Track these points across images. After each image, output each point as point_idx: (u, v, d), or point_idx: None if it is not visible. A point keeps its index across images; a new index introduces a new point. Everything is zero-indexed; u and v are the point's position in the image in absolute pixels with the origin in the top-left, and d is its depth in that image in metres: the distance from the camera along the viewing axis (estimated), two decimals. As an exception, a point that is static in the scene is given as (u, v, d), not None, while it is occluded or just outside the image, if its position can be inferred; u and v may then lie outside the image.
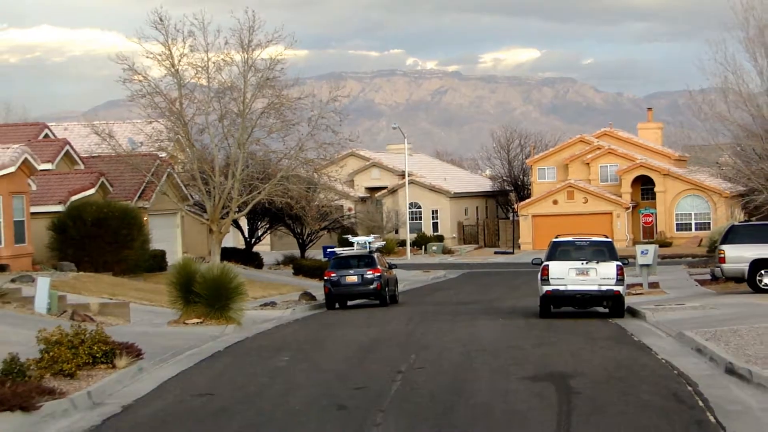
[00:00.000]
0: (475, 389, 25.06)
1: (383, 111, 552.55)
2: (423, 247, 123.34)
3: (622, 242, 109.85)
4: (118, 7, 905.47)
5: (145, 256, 67.46)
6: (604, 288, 44.47)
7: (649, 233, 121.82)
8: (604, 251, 45.55)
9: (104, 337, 29.09)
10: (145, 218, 69.98)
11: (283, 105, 72.08)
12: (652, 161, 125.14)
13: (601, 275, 44.50)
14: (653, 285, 58.79)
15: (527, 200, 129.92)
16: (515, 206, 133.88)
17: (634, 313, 44.80)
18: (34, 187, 64.19)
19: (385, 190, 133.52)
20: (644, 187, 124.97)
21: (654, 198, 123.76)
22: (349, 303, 56.88)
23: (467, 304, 55.61)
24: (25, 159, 61.95)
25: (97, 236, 63.64)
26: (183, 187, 77.54)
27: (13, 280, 51.71)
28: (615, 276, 44.49)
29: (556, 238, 47.80)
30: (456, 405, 23.03)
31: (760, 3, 68.49)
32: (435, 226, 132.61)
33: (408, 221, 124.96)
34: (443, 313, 49.52)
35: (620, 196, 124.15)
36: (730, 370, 26.47)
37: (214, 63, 71.35)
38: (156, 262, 68.48)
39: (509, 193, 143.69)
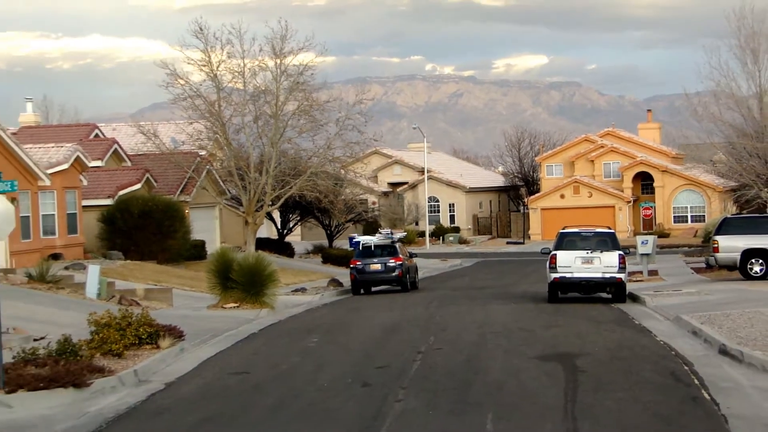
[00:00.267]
0: (489, 368, 25.03)
1: (404, 112, 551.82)
2: (441, 237, 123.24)
3: (624, 233, 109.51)
4: (162, 18, 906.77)
5: (187, 246, 67.55)
6: (607, 275, 44.41)
7: (648, 225, 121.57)
8: (607, 241, 45.48)
9: (149, 320, 29.13)
10: (186, 211, 70.06)
11: (312, 107, 72.11)
12: (651, 159, 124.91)
13: (605, 263, 44.44)
14: (652, 273, 58.68)
15: (536, 194, 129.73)
16: (525, 200, 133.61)
17: (634, 298, 44.72)
18: (85, 183, 64.34)
19: (406, 185, 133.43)
20: (644, 182, 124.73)
21: (653, 192, 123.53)
22: (373, 289, 56.86)
23: (482, 289, 55.54)
24: (77, 157, 62.13)
25: (142, 227, 63.78)
26: (221, 183, 77.63)
27: (66, 268, 51.82)
28: (617, 264, 44.42)
29: (563, 229, 47.74)
30: (472, 382, 23.00)
31: (751, 13, 68.49)
32: (452, 218, 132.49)
33: (427, 214, 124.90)
34: (460, 298, 49.47)
35: (622, 191, 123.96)
36: (723, 351, 26.41)
37: (249, 68, 71.38)
38: (196, 252, 68.56)
39: (520, 188, 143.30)
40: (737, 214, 69.96)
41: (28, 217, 56.82)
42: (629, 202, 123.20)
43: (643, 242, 60.71)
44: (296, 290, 55.47)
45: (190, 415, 20.29)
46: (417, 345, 29.55)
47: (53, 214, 59.89)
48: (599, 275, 44.48)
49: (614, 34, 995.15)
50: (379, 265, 56.04)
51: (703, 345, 28.46)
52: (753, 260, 50.44)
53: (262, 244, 79.17)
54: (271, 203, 73.15)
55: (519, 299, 46.99)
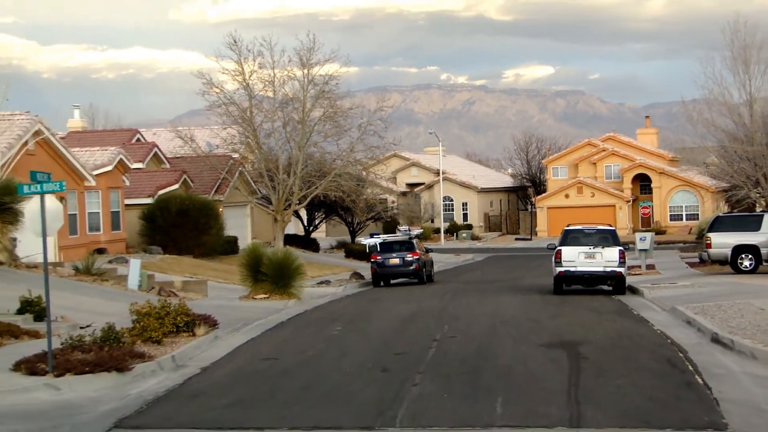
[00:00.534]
0: (499, 354, 25.04)
1: (421, 119, 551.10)
2: (455, 234, 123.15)
3: (624, 230, 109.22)
4: (199, 31, 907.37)
5: (221, 242, 67.66)
6: (608, 269, 44.44)
7: (646, 223, 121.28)
8: (608, 238, 45.48)
9: (186, 310, 29.19)
10: (220, 209, 70.17)
11: (336, 114, 72.21)
12: (649, 161, 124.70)
13: (606, 258, 44.44)
14: (650, 267, 58.59)
15: (543, 194, 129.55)
16: (533, 199, 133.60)
17: (633, 290, 44.68)
18: (127, 183, 64.53)
19: (422, 186, 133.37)
20: (642, 183, 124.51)
21: (651, 193, 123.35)
22: (392, 281, 56.85)
23: (492, 282, 55.52)
24: (120, 159, 62.32)
25: (180, 224, 63.91)
26: (252, 183, 77.74)
27: (110, 261, 51.98)
28: (618, 259, 44.42)
29: (568, 226, 47.82)
30: (482, 368, 23.00)
31: (744, 27, 68.38)
32: (465, 216, 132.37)
33: (442, 212, 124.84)
34: (472, 290, 49.46)
35: (622, 191, 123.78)
36: (716, 340, 26.39)
37: (279, 78, 71.47)
38: (229, 247, 68.65)
39: (528, 188, 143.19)
40: (729, 213, 69.75)
41: (75, 214, 56.98)
42: (629, 201, 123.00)
43: (641, 239, 60.71)
44: (321, 282, 55.51)
45: (223, 397, 20.33)
46: (432, 333, 29.57)
47: (98, 212, 60.05)
48: (601, 269, 44.52)
49: (616, 46, 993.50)
50: (398, 259, 56.08)
51: (696, 334, 28.43)
52: (743, 255, 50.57)
53: (290, 240, 79.22)
54: (298, 202, 73.22)
55: (527, 291, 46.97)
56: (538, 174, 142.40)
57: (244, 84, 70.78)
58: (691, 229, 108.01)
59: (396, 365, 23.52)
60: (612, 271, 44.48)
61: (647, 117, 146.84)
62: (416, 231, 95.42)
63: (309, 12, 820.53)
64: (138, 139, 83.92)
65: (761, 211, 58.76)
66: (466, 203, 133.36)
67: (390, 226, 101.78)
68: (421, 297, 45.29)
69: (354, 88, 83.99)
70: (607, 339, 27.70)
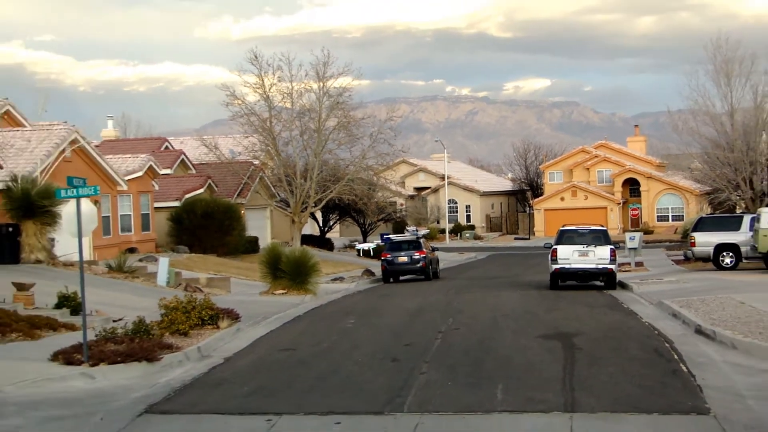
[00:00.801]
0: (500, 345, 25.01)
1: (428, 128, 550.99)
2: (458, 234, 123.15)
3: (615, 230, 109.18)
4: (222, 47, 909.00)
5: (242, 242, 67.74)
6: (600, 266, 44.40)
7: (635, 223, 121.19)
8: (600, 237, 45.44)
9: (210, 304, 29.22)
10: (242, 212, 70.26)
11: (350, 123, 72.39)
12: (638, 167, 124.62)
13: (598, 256, 44.41)
14: (639, 264, 58.57)
15: (540, 197, 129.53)
16: (531, 202, 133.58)
17: (623, 286, 44.62)
18: (156, 187, 64.61)
19: (429, 190, 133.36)
20: (632, 187, 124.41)
21: (639, 196, 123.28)
22: (401, 278, 56.82)
23: (493, 278, 55.48)
24: (150, 165, 62.42)
25: (205, 226, 64.01)
26: (271, 187, 77.80)
27: (140, 260, 52.05)
28: (609, 257, 44.41)
29: (563, 227, 47.80)
30: (484, 358, 22.99)
31: (725, 43, 68.57)
32: (468, 217, 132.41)
33: (447, 214, 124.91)
34: (474, 286, 49.42)
35: (613, 194, 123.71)
36: (699, 331, 26.35)
37: (296, 90, 71.69)
38: (251, 246, 68.72)
39: (526, 192, 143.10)
40: (711, 214, 69.82)
41: (109, 216, 57.07)
42: (619, 203, 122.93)
43: (631, 238, 60.76)
44: (335, 279, 55.53)
45: (245, 385, 20.33)
46: (438, 326, 29.54)
47: (129, 215, 60.17)
48: (593, 266, 44.50)
49: (608, 61, 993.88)
50: (406, 257, 56.06)
51: (681, 326, 28.38)
52: (724, 253, 50.65)
53: (306, 239, 79.29)
54: (314, 205, 73.36)
55: (525, 287, 46.93)
56: (535, 178, 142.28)
57: (265, 96, 70.98)
58: (676, 229, 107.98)
59: (404, 355, 23.52)
60: (604, 268, 44.45)
61: (636, 126, 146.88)
62: (423, 231, 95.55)
63: (324, 29, 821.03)
64: (166, 147, 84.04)
65: (741, 213, 58.76)
66: (469, 205, 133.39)
67: (399, 227, 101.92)
68: (427, 292, 45.27)
69: (366, 100, 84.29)
70: (600, 331, 27.66)
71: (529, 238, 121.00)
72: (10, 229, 44.04)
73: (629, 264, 57.31)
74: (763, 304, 30.10)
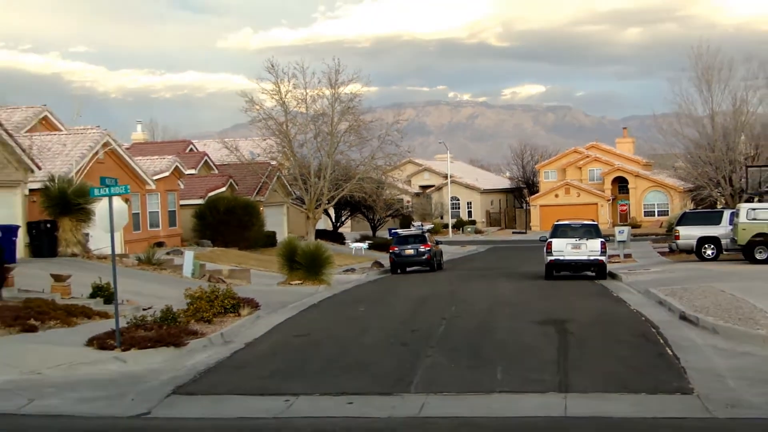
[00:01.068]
0: (498, 330, 25.03)
1: (432, 130, 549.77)
2: (461, 228, 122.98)
3: (605, 225, 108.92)
4: (242, 57, 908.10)
5: (261, 236, 67.77)
6: (592, 258, 44.42)
7: (624, 218, 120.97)
8: (591, 231, 45.43)
9: (232, 294, 29.26)
10: (261, 208, 70.29)
11: (360, 126, 72.44)
12: (626, 166, 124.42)
13: (590, 248, 44.42)
14: (627, 256, 58.51)
15: (536, 194, 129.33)
16: (527, 199, 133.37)
17: (613, 275, 44.61)
18: (182, 186, 64.69)
19: (433, 188, 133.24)
20: (621, 184, 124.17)
21: (628, 192, 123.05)
22: (408, 269, 56.79)
23: (492, 269, 55.47)
24: (176, 166, 62.50)
25: (227, 222, 64.04)
26: (288, 186, 77.88)
27: (168, 253, 52.11)
28: (600, 249, 44.42)
29: (557, 221, 47.83)
30: (484, 341, 23.01)
31: (706, 51, 68.61)
32: (469, 213, 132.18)
33: (450, 210, 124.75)
34: (476, 276, 49.43)
35: (603, 192, 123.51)
36: (683, 317, 26.36)
37: (310, 96, 71.75)
38: (269, 240, 68.77)
39: (523, 189, 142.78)
40: (694, 209, 69.74)
41: (138, 213, 57.17)
42: (609, 200, 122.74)
43: (620, 232, 60.71)
44: (347, 270, 55.51)
45: (264, 368, 20.37)
46: (442, 313, 29.55)
47: (157, 211, 60.23)
48: (585, 257, 44.51)
49: (598, 68, 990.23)
50: (412, 250, 56.04)
51: (667, 312, 28.38)
52: (706, 245, 50.77)
53: (320, 234, 79.32)
54: (327, 202, 73.39)
55: (522, 277, 46.93)
56: (531, 177, 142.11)
57: (281, 102, 71.08)
58: (662, 223, 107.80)
59: (411, 340, 23.54)
60: (595, 259, 44.48)
61: (624, 128, 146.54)
62: (428, 226, 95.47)
63: (336, 40, 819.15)
64: (191, 149, 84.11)
65: (722, 208, 58.80)
66: (471, 202, 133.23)
67: (406, 222, 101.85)
68: (432, 282, 45.29)
69: (374, 105, 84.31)
70: (591, 317, 27.67)
71: (525, 232, 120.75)
72: (48, 225, 44.16)
73: (618, 256, 57.27)
74: (742, 293, 30.08)
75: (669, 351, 21.07)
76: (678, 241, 52.55)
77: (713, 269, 42.94)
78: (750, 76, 68.49)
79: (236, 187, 71.84)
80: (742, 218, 47.17)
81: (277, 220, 77.38)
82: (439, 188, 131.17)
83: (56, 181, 45.50)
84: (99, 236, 42.51)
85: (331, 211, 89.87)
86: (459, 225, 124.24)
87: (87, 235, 45.75)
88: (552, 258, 44.70)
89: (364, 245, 65.51)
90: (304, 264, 44.32)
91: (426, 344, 22.70)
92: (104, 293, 30.53)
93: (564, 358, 20.27)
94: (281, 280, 44.86)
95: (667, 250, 60.37)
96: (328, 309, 32.89)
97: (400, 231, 67.18)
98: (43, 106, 58.19)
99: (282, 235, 70.65)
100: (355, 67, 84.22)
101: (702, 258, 50.46)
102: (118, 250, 42.63)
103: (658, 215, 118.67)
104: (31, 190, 45.55)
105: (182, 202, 64.35)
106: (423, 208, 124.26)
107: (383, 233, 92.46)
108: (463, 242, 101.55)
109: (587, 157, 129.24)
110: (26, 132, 52.82)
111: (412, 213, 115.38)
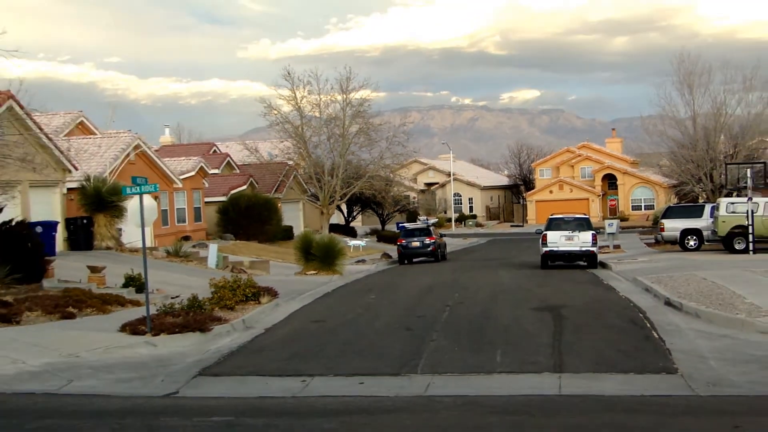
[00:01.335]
0: (498, 316, 25.03)
1: (436, 132, 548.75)
2: (463, 222, 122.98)
3: (596, 218, 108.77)
4: (261, 66, 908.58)
5: (279, 230, 67.81)
6: (584, 248, 44.41)
7: (613, 212, 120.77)
8: (583, 224, 45.43)
9: (253, 283, 29.27)
10: (279, 205, 70.34)
11: (369, 129, 72.51)
12: (615, 164, 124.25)
13: (582, 240, 44.41)
14: (616, 246, 58.45)
15: (532, 190, 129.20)
16: (524, 195, 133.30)
17: (603, 265, 44.57)
18: (206, 185, 64.70)
19: (437, 185, 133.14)
20: (610, 181, 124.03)
21: (616, 188, 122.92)
22: (414, 260, 56.80)
23: (492, 260, 55.45)
24: (201, 166, 62.53)
25: (248, 217, 64.08)
26: (303, 184, 77.87)
27: (194, 246, 52.14)
28: (591, 241, 44.41)
29: (552, 215, 47.78)
30: (485, 326, 23.01)
31: (687, 58, 68.64)
32: (471, 208, 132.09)
33: (453, 205, 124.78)
34: (477, 266, 49.42)
35: (594, 188, 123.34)
36: (668, 303, 26.36)
37: (324, 102, 71.88)
38: (286, 234, 68.81)
39: (520, 186, 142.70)
40: (678, 203, 69.69)
41: (167, 210, 57.21)
42: (599, 195, 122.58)
43: (609, 224, 60.66)
44: (358, 261, 55.56)
45: (283, 351, 20.39)
46: (446, 300, 29.56)
47: (184, 208, 60.26)
48: (578, 248, 44.51)
49: (589, 74, 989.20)
50: (418, 242, 56.03)
51: (653, 298, 28.38)
52: (689, 237, 50.77)
53: (333, 228, 79.31)
54: (339, 198, 73.50)
55: (519, 266, 46.92)
56: (528, 175, 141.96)
57: (297, 107, 71.21)
58: (648, 216, 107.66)
59: (417, 325, 23.54)
60: (587, 250, 44.47)
61: (613, 129, 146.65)
62: (433, 220, 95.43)
63: (347, 50, 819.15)
64: (214, 151, 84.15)
65: (703, 202, 58.70)
66: (472, 198, 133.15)
67: (412, 217, 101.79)
68: (437, 272, 45.29)
69: (382, 109, 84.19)
70: (583, 303, 27.66)
71: (522, 225, 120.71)
72: (85, 221, 44.29)
73: (608, 246, 57.22)
74: (722, 280, 30.08)
75: (655, 334, 21.07)
76: (663, 233, 52.50)
77: (695, 259, 42.92)
78: (728, 80, 68.55)
79: (256, 185, 71.88)
80: (722, 212, 47.17)
81: (294, 216, 77.42)
82: (443, 185, 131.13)
83: (92, 180, 45.63)
84: (131, 231, 42.60)
85: (344, 207, 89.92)
86: (461, 219, 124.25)
87: (120, 229, 45.85)
88: (547, 249, 44.69)
89: (362, 242, 65.44)
90: (319, 255, 44.36)
91: (431, 329, 22.71)
92: (136, 283, 30.61)
93: (558, 341, 20.27)
94: (298, 271, 44.89)
95: (653, 241, 60.32)
96: (342, 297, 32.92)
97: (407, 225, 67.23)
98: (79, 112, 58.28)
99: (298, 229, 70.73)
100: (365, 75, 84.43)
101: (685, 248, 50.42)
102: (148, 244, 42.80)
103: (645, 209, 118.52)
104: (68, 189, 45.66)
105: (207, 199, 64.41)
106: (428, 204, 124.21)
107: (392, 227, 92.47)
108: (465, 235, 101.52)
109: (579, 156, 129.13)
110: (64, 136, 52.94)
111: (418, 208, 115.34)
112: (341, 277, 42.21)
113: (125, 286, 30.92)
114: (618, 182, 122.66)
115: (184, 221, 60.20)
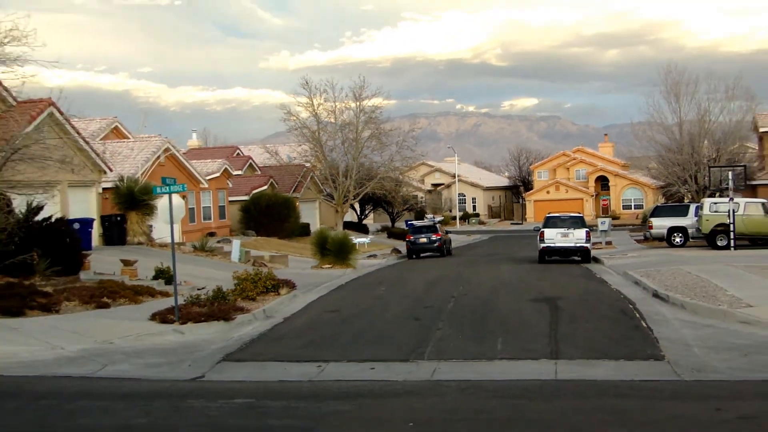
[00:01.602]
0: (499, 307, 25.01)
1: (442, 137, 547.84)
2: (466, 220, 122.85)
3: (589, 217, 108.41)
4: (281, 75, 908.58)
5: (297, 227, 67.85)
6: (578, 245, 44.34)
7: (605, 211, 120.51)
8: (578, 222, 45.35)
9: (272, 276, 29.32)
10: (297, 204, 70.37)
11: (380, 134, 72.38)
12: (607, 167, 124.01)
13: (576, 237, 44.34)
14: (608, 243, 58.37)
15: (530, 191, 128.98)
16: (523, 195, 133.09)
17: (596, 260, 44.51)
18: (230, 185, 64.80)
19: (443, 186, 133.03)
20: (602, 182, 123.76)
21: (609, 189, 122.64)
22: (422, 255, 56.74)
23: (494, 255, 55.40)
24: (225, 168, 62.61)
25: (268, 215, 64.18)
26: (320, 184, 77.89)
27: (218, 242, 52.25)
28: (585, 237, 44.35)
29: (548, 214, 47.71)
30: (487, 316, 22.99)
31: (674, 69, 68.49)
32: (474, 207, 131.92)
33: (457, 204, 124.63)
34: (480, 261, 49.38)
35: (588, 189, 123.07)
36: (655, 295, 26.31)
37: (338, 109, 71.74)
38: (303, 230, 68.84)
39: (519, 187, 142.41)
40: (665, 203, 69.51)
41: (194, 208, 57.31)
42: (592, 195, 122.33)
43: (602, 222, 60.59)
44: (370, 256, 55.52)
45: (300, 339, 20.41)
46: (451, 292, 29.54)
47: (210, 206, 60.35)
48: (573, 244, 44.42)
49: (582, 84, 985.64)
50: (425, 238, 55.96)
51: (642, 291, 28.32)
52: (675, 234, 50.60)
53: (347, 225, 79.33)
54: (353, 198, 73.47)
55: (519, 261, 46.87)
56: (526, 176, 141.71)
57: (314, 113, 71.15)
58: (638, 215, 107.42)
59: (425, 315, 23.54)
60: (581, 246, 44.39)
61: (606, 135, 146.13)
62: (439, 218, 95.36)
63: (361, 61, 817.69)
64: (238, 154, 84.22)
65: (688, 202, 58.53)
66: (475, 198, 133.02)
67: (420, 215, 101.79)
68: (442, 266, 45.26)
69: (393, 115, 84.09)
70: (578, 295, 27.62)
71: (521, 223, 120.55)
72: (118, 218, 44.40)
73: (601, 243, 57.13)
74: (706, 274, 30.02)
75: (644, 324, 21.03)
76: (651, 231, 52.37)
77: (681, 254, 42.82)
78: (711, 90, 68.40)
79: (276, 185, 71.95)
80: (706, 211, 47.10)
81: (311, 214, 77.46)
82: (448, 186, 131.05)
83: (125, 180, 45.78)
84: (160, 227, 42.67)
85: (357, 206, 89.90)
86: (465, 217, 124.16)
87: (151, 226, 45.94)
88: (544, 245, 44.60)
89: (366, 239, 65.42)
90: (334, 251, 44.40)
91: (437, 319, 22.70)
92: (165, 275, 30.67)
93: (555, 331, 20.24)
94: (314, 265, 44.93)
95: (642, 238, 60.18)
96: (354, 289, 32.92)
97: (415, 222, 67.11)
98: (114, 117, 58.43)
99: (315, 226, 70.74)
100: (377, 84, 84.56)
101: (672, 245, 50.30)
102: (176, 239, 42.91)
103: (635, 208, 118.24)
104: (104, 189, 45.78)
105: (230, 198, 64.51)
106: (434, 203, 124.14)
107: (401, 224, 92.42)
108: (469, 232, 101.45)
109: (574, 159, 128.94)
110: (100, 140, 53.08)
111: (426, 207, 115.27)
112: (354, 271, 42.21)
113: (155, 278, 30.98)
114: (610, 183, 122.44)
115: (210, 219, 60.28)
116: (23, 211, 29.00)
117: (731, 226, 45.37)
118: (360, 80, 71.24)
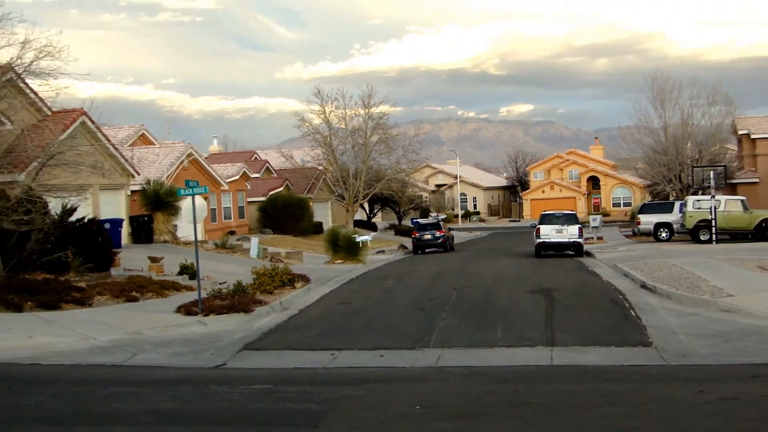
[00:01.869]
0: (499, 298, 25.00)
1: (445, 141, 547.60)
2: (468, 218, 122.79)
3: (581, 214, 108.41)
4: (296, 85, 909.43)
5: (311, 225, 67.91)
6: (571, 240, 44.30)
7: (597, 208, 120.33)
8: (571, 219, 45.32)
9: (288, 271, 29.35)
10: (310, 204, 70.42)
11: (387, 138, 72.42)
12: (598, 168, 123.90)
13: (570, 233, 44.31)
14: (599, 238, 58.31)
15: (527, 190, 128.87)
16: (520, 194, 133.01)
17: (588, 254, 44.47)
18: (248, 187, 64.88)
19: (446, 186, 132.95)
20: (594, 182, 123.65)
21: (599, 188, 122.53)
22: (426, 251, 56.75)
23: (493, 250, 55.36)
24: (244, 171, 62.70)
25: (284, 214, 64.26)
26: (331, 186, 77.90)
27: (238, 240, 52.29)
28: (578, 233, 44.31)
29: (544, 212, 47.69)
30: (488, 307, 22.99)
31: (660, 76, 68.38)
32: (474, 206, 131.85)
33: (459, 203, 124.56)
34: (480, 255, 49.35)
35: (580, 188, 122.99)
36: (644, 286, 26.29)
37: (348, 115, 71.82)
38: (317, 229, 68.89)
39: (517, 187, 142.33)
40: (651, 201, 69.42)
41: (215, 209, 57.40)
42: (584, 194, 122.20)
43: (593, 219, 60.58)
44: (378, 252, 55.55)
45: (314, 329, 20.42)
46: (454, 285, 29.54)
47: (230, 207, 60.44)
48: (566, 240, 44.38)
49: (575, 91, 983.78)
50: (430, 235, 55.96)
51: (631, 282, 28.28)
52: (661, 229, 50.62)
53: (357, 223, 79.37)
54: (362, 198, 73.51)
55: (517, 256, 46.83)
56: (523, 177, 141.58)
57: (326, 120, 71.18)
58: (626, 212, 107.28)
59: (429, 306, 23.54)
60: (574, 241, 44.34)
61: (596, 138, 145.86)
62: (442, 216, 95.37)
63: (369, 70, 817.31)
64: (255, 158, 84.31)
65: (673, 200, 58.43)
66: (476, 197, 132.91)
67: (424, 213, 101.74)
68: (446, 261, 45.25)
69: (399, 121, 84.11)
70: (572, 287, 27.59)
71: (519, 221, 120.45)
72: (146, 218, 44.47)
73: (592, 238, 57.09)
74: (690, 266, 29.99)
75: (633, 313, 21.01)
76: (639, 226, 52.35)
77: (667, 248, 42.78)
78: (694, 96, 68.25)
79: (291, 187, 72.01)
80: (689, 208, 47.13)
81: (323, 213, 77.51)
82: (451, 186, 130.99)
83: (151, 183, 45.88)
84: (184, 227, 42.72)
85: (366, 205, 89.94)
86: (466, 215, 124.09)
87: (175, 226, 46.01)
88: (540, 240, 44.58)
89: (369, 237, 65.56)
90: (345, 247, 44.42)
91: (441, 309, 22.70)
92: (189, 271, 30.72)
93: (550, 320, 20.24)
94: (327, 260, 44.95)
95: (630, 233, 60.15)
96: (364, 282, 32.92)
97: (420, 220, 67.16)
98: (141, 125, 58.51)
99: (327, 225, 70.80)
100: (384, 92, 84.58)
101: (658, 239, 50.27)
102: (199, 238, 43.03)
103: (624, 206, 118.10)
104: (132, 191, 45.84)
105: (249, 199, 64.61)
106: (438, 202, 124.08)
107: (407, 222, 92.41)
108: (470, 229, 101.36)
109: (567, 161, 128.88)
110: (128, 146, 53.16)
111: (430, 206, 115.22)
112: (364, 266, 42.22)
113: (180, 273, 31.04)
114: (600, 183, 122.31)
115: (230, 218, 60.36)
116: (58, 212, 29.09)
117: (713, 221, 45.42)
118: (368, 89, 71.43)
